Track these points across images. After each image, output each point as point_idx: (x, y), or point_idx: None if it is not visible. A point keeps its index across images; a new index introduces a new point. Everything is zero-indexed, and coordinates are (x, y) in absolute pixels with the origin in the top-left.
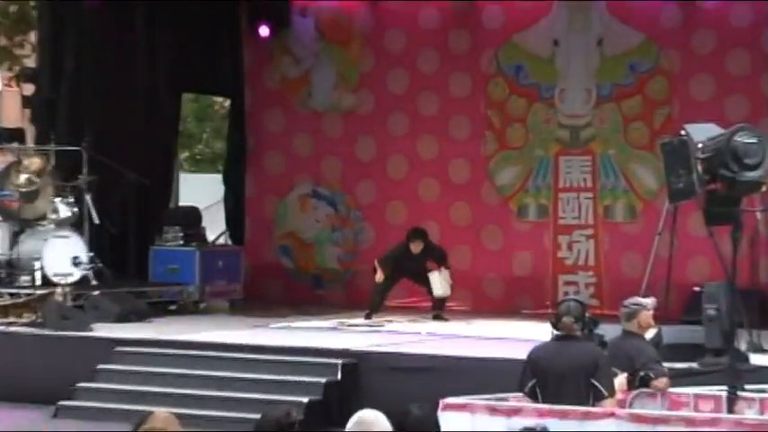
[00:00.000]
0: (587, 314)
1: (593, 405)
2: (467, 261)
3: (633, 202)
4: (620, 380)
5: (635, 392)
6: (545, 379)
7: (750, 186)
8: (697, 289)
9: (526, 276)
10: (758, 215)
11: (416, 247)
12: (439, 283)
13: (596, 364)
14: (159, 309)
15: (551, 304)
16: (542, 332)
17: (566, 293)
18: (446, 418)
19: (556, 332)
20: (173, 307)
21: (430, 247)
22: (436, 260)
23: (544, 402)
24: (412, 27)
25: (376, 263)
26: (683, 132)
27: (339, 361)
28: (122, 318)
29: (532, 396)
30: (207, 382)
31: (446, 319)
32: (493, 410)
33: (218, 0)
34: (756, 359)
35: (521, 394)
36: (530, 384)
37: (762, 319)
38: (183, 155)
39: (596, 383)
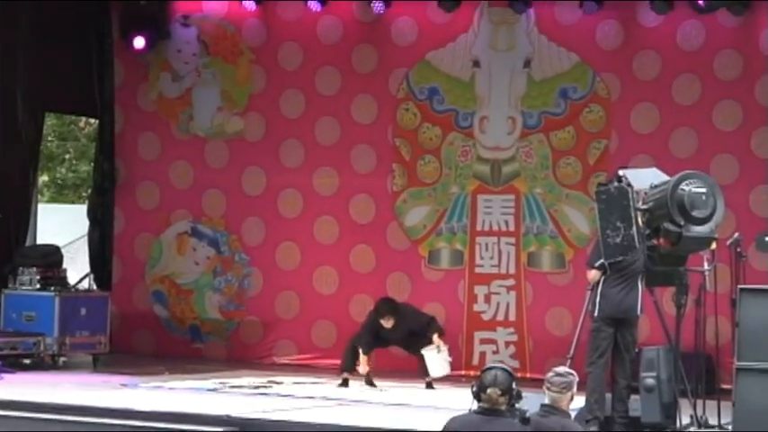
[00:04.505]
0: (514, 385)
1: None
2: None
3: (562, 249)
4: None
5: None
6: None
7: (698, 243)
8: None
9: None
10: (706, 274)
11: (388, 323)
12: (438, 362)
13: None
14: (11, 363)
15: (464, 366)
16: (457, 399)
17: (482, 353)
18: None
19: (478, 404)
20: (27, 361)
21: (409, 318)
22: (426, 331)
23: None
24: (310, 41)
25: (352, 345)
26: (620, 173)
27: (219, 429)
28: None
29: None
30: None
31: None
32: None
33: (86, 6)
34: None
35: None
36: None
37: (708, 387)
38: (42, 179)
39: None
